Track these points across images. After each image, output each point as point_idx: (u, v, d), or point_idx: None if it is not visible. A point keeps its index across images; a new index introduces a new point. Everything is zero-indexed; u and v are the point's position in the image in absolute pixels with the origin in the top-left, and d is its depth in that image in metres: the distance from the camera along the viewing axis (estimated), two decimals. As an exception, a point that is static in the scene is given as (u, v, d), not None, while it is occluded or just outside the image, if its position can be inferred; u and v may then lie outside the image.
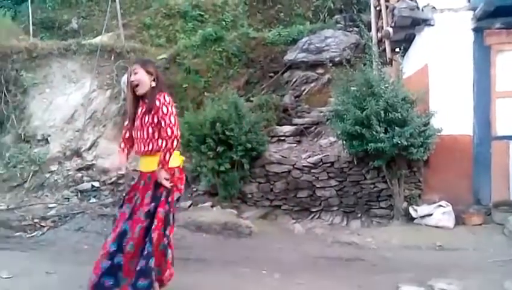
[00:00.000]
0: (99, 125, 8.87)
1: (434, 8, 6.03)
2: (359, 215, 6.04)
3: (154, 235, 2.99)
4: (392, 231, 5.46)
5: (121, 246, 3.03)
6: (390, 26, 6.67)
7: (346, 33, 9.08)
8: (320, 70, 8.62)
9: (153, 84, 3.10)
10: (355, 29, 8.99)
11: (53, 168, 8.05)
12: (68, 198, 7.41)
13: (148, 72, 3.10)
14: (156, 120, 3.04)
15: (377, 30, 7.84)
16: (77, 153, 8.39)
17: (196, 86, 8.99)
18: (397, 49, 6.80)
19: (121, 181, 7.79)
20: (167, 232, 3.10)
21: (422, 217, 5.59)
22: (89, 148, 8.47)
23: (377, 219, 5.95)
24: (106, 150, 8.48)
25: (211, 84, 9.05)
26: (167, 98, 3.09)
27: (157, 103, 3.03)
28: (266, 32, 9.87)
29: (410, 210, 5.71)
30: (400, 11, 6.05)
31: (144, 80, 3.07)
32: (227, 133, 6.22)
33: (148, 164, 3.13)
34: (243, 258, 4.62)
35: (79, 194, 7.55)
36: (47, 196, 7.50)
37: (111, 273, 3.02)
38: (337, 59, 8.18)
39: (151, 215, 3.03)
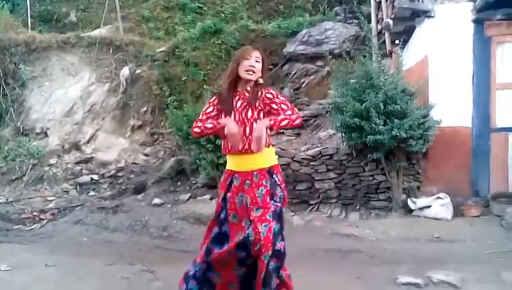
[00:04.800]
0: (98, 119, 8.87)
1: (434, -1, 6.00)
2: (358, 207, 6.04)
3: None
4: (390, 223, 5.47)
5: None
6: (390, 18, 6.64)
7: (346, 25, 9.03)
8: (319, 63, 8.60)
9: (261, 81, 2.76)
10: (355, 21, 8.93)
11: (52, 161, 8.07)
12: (67, 191, 7.43)
13: (262, 64, 2.76)
14: (261, 116, 2.66)
15: (377, 22, 7.80)
16: (76, 146, 8.40)
17: (195, 78, 8.98)
18: (397, 41, 6.78)
19: (119, 174, 7.81)
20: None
21: (421, 209, 5.59)
22: (88, 141, 8.49)
23: (375, 211, 5.95)
24: (105, 143, 8.49)
25: (210, 77, 9.03)
26: (271, 91, 2.76)
27: (267, 94, 2.71)
28: (266, 24, 9.83)
29: (409, 202, 5.71)
30: (400, 3, 6.02)
31: (259, 71, 2.73)
32: (226, 125, 6.20)
33: (254, 161, 2.66)
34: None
35: (78, 187, 7.57)
36: (46, 189, 7.52)
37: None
38: (336, 51, 8.15)
39: (277, 216, 2.61)
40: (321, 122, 7.50)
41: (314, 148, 6.42)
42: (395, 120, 5.32)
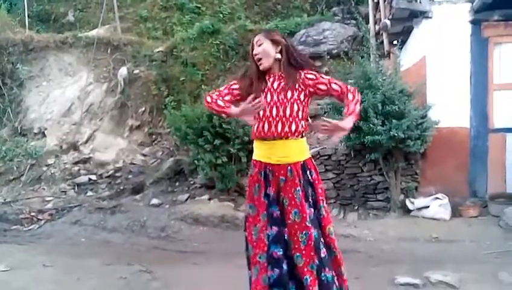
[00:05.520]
0: (96, 119, 8.86)
1: (432, 0, 6.02)
2: (356, 207, 6.04)
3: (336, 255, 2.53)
4: (388, 223, 5.47)
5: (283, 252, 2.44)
6: (388, 19, 6.65)
7: (344, 25, 9.05)
8: (317, 63, 8.57)
9: (278, 56, 2.52)
10: (353, 21, 8.96)
11: (50, 161, 8.05)
12: (65, 191, 7.42)
13: (273, 42, 2.52)
14: (302, 97, 2.48)
15: (375, 22, 7.82)
16: (74, 147, 8.38)
17: (193, 79, 8.98)
18: (395, 42, 6.79)
19: (118, 174, 7.80)
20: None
21: (419, 209, 5.60)
22: (86, 142, 8.48)
23: (373, 211, 5.95)
24: (103, 143, 8.49)
25: (208, 77, 9.03)
26: (311, 72, 2.54)
27: (308, 75, 2.50)
28: (263, 24, 9.83)
29: (407, 202, 5.72)
30: (397, 3, 6.03)
31: (269, 51, 2.51)
32: (224, 126, 6.21)
33: (290, 151, 2.46)
34: (241, 250, 4.62)
35: (76, 187, 7.56)
36: (44, 189, 7.50)
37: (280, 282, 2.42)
38: (334, 52, 8.17)
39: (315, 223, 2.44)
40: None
41: (313, 148, 6.42)
42: (393, 120, 5.33)
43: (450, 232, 5.08)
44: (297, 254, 2.36)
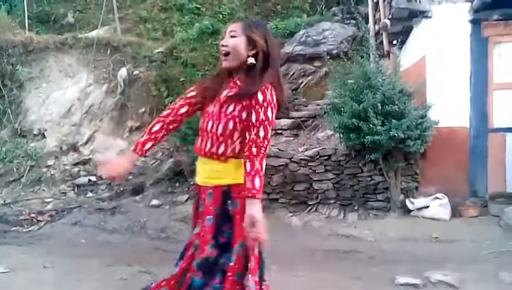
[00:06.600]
0: (96, 120, 8.86)
1: (432, -1, 6.02)
2: (356, 208, 6.04)
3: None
4: (388, 223, 5.47)
5: None
6: (388, 18, 6.65)
7: (344, 25, 9.05)
8: (317, 63, 8.60)
9: (251, 60, 1.96)
10: (353, 21, 8.97)
11: (50, 162, 8.05)
12: (65, 192, 7.41)
13: (250, 40, 1.96)
14: (244, 115, 1.94)
15: (375, 22, 7.81)
16: (74, 148, 8.38)
17: (193, 79, 8.94)
18: (395, 42, 6.79)
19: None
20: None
21: (419, 209, 5.60)
22: (86, 143, 8.47)
23: (373, 212, 5.95)
24: (103, 144, 8.48)
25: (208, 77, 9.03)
26: (268, 95, 1.92)
27: (259, 95, 1.90)
28: (263, 25, 9.83)
29: (407, 202, 5.72)
30: (397, 3, 6.04)
31: (239, 48, 1.96)
32: (224, 126, 6.20)
33: (213, 173, 2.02)
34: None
35: (76, 188, 7.55)
36: (44, 190, 7.50)
37: None
38: (334, 52, 8.16)
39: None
40: (319, 123, 7.50)
41: (312, 148, 6.42)
42: (393, 120, 5.33)
43: (450, 232, 5.08)
44: None
